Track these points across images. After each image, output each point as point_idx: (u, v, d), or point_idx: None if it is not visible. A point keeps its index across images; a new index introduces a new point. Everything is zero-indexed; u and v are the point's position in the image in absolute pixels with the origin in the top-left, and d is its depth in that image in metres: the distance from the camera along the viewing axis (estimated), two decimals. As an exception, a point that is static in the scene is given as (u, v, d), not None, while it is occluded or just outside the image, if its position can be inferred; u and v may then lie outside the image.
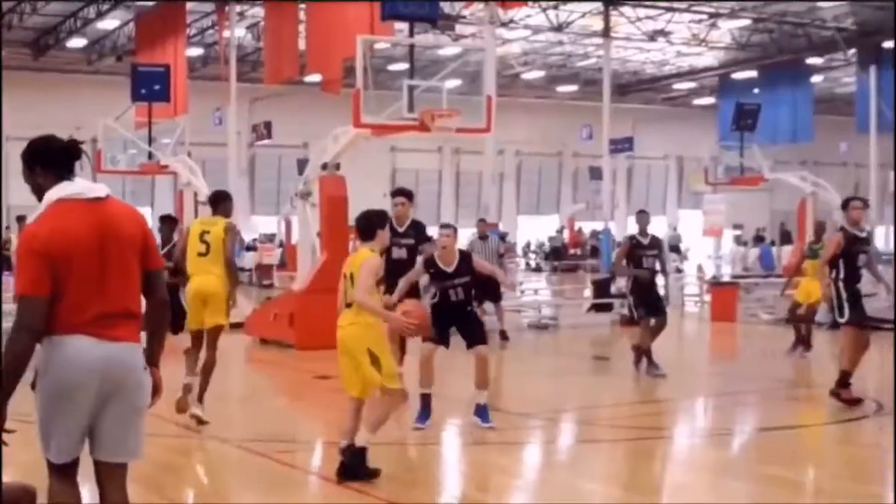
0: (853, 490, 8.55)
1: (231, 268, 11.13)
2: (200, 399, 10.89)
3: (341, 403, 12.83)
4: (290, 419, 12.43)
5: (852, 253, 11.97)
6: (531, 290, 29.66)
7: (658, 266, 15.07)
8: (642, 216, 15.28)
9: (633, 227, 15.42)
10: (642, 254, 14.70)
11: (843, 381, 11.53)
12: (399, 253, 12.82)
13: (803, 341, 16.81)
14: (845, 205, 12.43)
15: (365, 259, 8.54)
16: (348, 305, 8.64)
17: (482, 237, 19.46)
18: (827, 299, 11.87)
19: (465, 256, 11.22)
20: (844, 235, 11.98)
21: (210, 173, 31.70)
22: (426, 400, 10.75)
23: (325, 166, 18.22)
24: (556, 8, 41.21)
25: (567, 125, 53.38)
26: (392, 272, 12.84)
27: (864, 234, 12.14)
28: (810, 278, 16.30)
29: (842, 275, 11.89)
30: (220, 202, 11.43)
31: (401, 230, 12.86)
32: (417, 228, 13.20)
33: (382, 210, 9.52)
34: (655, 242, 15.09)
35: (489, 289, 18.70)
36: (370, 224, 8.86)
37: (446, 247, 11.08)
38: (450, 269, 10.89)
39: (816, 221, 20.50)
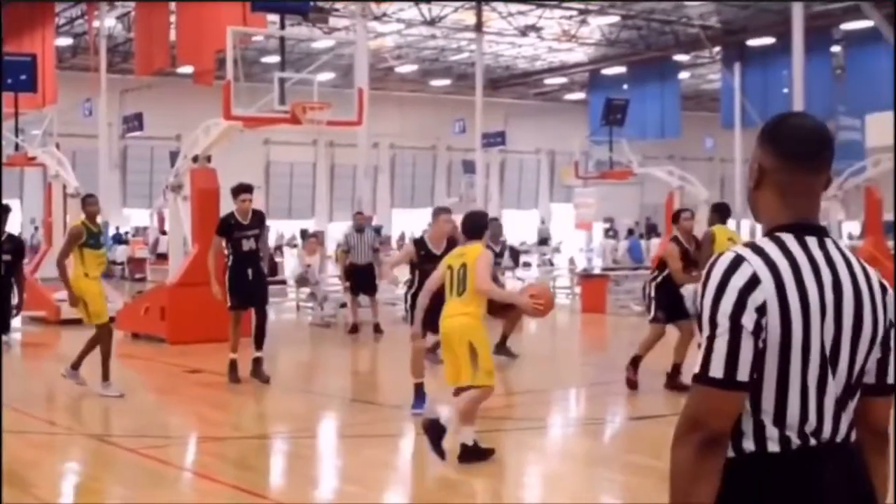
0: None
1: (58, 266, 11.89)
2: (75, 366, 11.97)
3: (212, 397, 12.83)
4: (161, 414, 12.31)
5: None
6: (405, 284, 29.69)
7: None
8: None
9: (508, 222, 15.65)
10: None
11: (675, 372, 12.34)
12: (249, 244, 13.25)
13: None
14: (676, 217, 13.08)
15: (481, 253, 8.96)
16: (459, 294, 8.90)
17: (359, 230, 19.44)
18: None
19: (452, 243, 11.43)
20: (677, 246, 12.58)
21: (80, 165, 31.17)
22: (419, 389, 10.76)
23: (195, 159, 18.03)
24: (428, 2, 41.38)
25: (440, 119, 53.60)
26: (244, 262, 13.04)
27: (692, 247, 12.76)
28: None
29: (659, 279, 12.64)
30: (83, 205, 11.89)
31: (246, 223, 13.27)
32: (260, 218, 13.54)
33: (483, 211, 10.15)
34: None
35: (365, 281, 18.82)
36: (478, 224, 9.40)
37: (452, 229, 11.42)
38: (439, 253, 11.09)
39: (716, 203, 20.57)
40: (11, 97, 24.05)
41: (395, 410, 11.50)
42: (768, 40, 42.90)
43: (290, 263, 37.31)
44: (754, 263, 2.58)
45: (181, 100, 41.14)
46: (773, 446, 2.60)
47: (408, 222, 55.84)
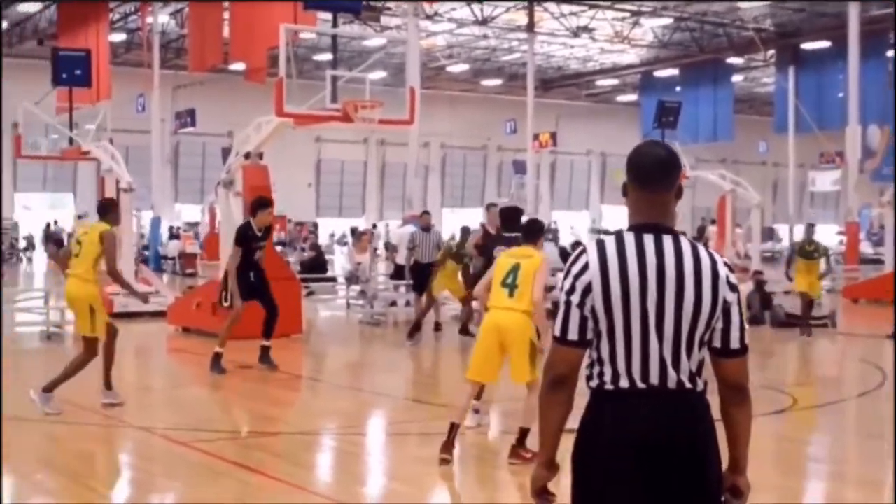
0: (777, 483, 8.72)
1: (113, 274, 11.17)
2: (107, 386, 11.28)
3: (262, 393, 12.90)
4: (212, 409, 12.39)
5: None
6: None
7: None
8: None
9: (564, 222, 15.66)
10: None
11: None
12: (260, 255, 14.07)
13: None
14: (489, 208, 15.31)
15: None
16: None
17: (426, 229, 19.42)
18: None
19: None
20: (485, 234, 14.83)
21: (133, 160, 31.44)
22: None
23: (247, 155, 18.10)
24: (480, 2, 41.36)
25: (491, 119, 53.59)
26: (249, 268, 13.96)
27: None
28: (807, 275, 18.49)
29: None
30: (106, 211, 11.55)
31: (260, 234, 14.05)
32: (269, 229, 14.68)
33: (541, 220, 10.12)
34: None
35: (427, 280, 18.81)
36: (536, 229, 9.20)
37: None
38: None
39: (808, 224, 20.64)
40: (66, 92, 24.31)
41: (445, 409, 11.46)
42: (824, 44, 42.47)
43: (340, 261, 37.51)
44: (590, 255, 3.51)
45: (233, 96, 41.38)
46: (609, 385, 3.49)
47: (458, 221, 55.70)
